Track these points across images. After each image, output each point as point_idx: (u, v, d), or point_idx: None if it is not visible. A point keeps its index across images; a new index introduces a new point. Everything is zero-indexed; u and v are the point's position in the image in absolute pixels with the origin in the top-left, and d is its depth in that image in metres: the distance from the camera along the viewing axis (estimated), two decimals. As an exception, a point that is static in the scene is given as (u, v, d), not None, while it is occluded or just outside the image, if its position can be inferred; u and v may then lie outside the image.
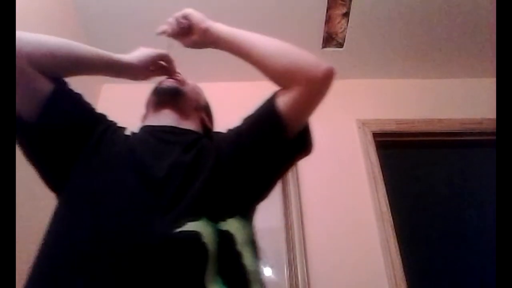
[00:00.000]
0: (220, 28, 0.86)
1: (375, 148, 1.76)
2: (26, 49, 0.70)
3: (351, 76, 1.97)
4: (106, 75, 0.89)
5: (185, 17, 0.88)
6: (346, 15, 1.75)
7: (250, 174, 0.76)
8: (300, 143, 0.80)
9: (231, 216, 0.68)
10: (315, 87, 0.76)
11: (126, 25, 1.76)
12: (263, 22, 1.75)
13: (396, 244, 1.51)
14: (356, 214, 1.59)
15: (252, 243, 0.70)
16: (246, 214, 0.74)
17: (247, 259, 0.66)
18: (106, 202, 0.65)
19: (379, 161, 1.73)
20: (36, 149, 0.74)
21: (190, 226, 0.62)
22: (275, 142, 0.76)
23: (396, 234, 1.54)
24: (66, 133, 0.74)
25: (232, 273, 0.63)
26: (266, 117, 0.79)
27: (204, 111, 0.96)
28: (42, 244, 0.65)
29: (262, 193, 0.80)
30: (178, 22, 0.89)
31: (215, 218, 0.65)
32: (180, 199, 0.65)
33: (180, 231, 0.60)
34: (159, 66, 0.93)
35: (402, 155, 2.36)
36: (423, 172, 2.69)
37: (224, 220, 0.66)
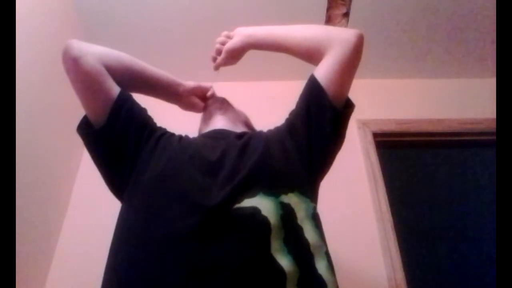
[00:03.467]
0: (254, 27, 0.97)
1: (375, 148, 1.76)
2: (98, 50, 0.82)
3: (351, 76, 1.96)
4: (161, 98, 0.99)
5: (228, 35, 0.99)
6: (346, 15, 1.75)
7: (302, 146, 0.80)
8: (347, 110, 0.85)
9: (290, 190, 0.70)
10: (348, 46, 0.82)
11: (126, 25, 1.75)
12: (263, 22, 1.75)
13: (396, 244, 1.51)
14: (356, 214, 1.59)
15: (314, 219, 0.72)
16: (306, 190, 0.76)
17: (308, 232, 0.68)
18: (166, 189, 0.70)
19: (379, 161, 1.73)
20: (105, 153, 0.81)
21: (247, 203, 0.65)
22: (323, 109, 0.81)
23: (396, 234, 1.54)
24: (130, 133, 0.80)
25: (296, 245, 0.65)
26: (309, 89, 0.85)
27: (251, 129, 1.04)
28: (121, 231, 0.70)
29: (316, 166, 0.82)
30: (223, 41, 1.00)
31: (274, 191, 0.68)
32: (234, 177, 0.69)
33: (238, 208, 0.64)
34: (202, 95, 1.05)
35: (402, 155, 2.36)
36: (423, 172, 2.69)
37: (285, 193, 0.69)
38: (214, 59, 1.02)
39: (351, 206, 1.61)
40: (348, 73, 0.84)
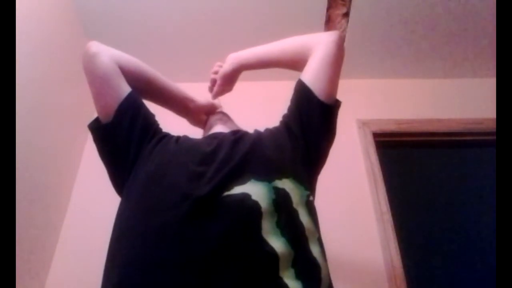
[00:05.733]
0: (242, 50, 1.01)
1: (375, 148, 1.76)
2: (114, 51, 0.89)
3: (351, 76, 1.96)
4: (171, 109, 1.04)
5: (220, 65, 1.05)
6: (346, 15, 1.75)
7: (299, 144, 0.83)
8: (335, 105, 0.89)
9: (284, 176, 0.73)
10: (330, 44, 0.88)
11: (126, 25, 1.75)
12: (263, 23, 1.75)
13: (396, 244, 1.51)
14: (356, 214, 1.59)
15: (307, 205, 0.74)
16: (302, 179, 0.78)
17: (303, 216, 0.70)
18: (160, 181, 0.72)
19: (379, 161, 1.73)
20: (110, 149, 0.85)
21: (237, 190, 0.67)
22: (312, 106, 0.85)
23: (396, 234, 1.54)
24: (135, 133, 0.83)
25: (290, 228, 0.67)
26: (297, 91, 0.90)
27: None
28: (119, 225, 0.72)
29: (314, 162, 0.86)
30: (216, 70, 1.06)
31: (266, 177, 0.70)
32: (225, 166, 0.71)
33: (228, 195, 0.66)
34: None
35: (402, 155, 2.37)
36: (423, 172, 2.69)
37: (279, 179, 0.71)
38: (211, 89, 1.08)
39: (351, 206, 1.61)
40: (333, 69, 0.88)
